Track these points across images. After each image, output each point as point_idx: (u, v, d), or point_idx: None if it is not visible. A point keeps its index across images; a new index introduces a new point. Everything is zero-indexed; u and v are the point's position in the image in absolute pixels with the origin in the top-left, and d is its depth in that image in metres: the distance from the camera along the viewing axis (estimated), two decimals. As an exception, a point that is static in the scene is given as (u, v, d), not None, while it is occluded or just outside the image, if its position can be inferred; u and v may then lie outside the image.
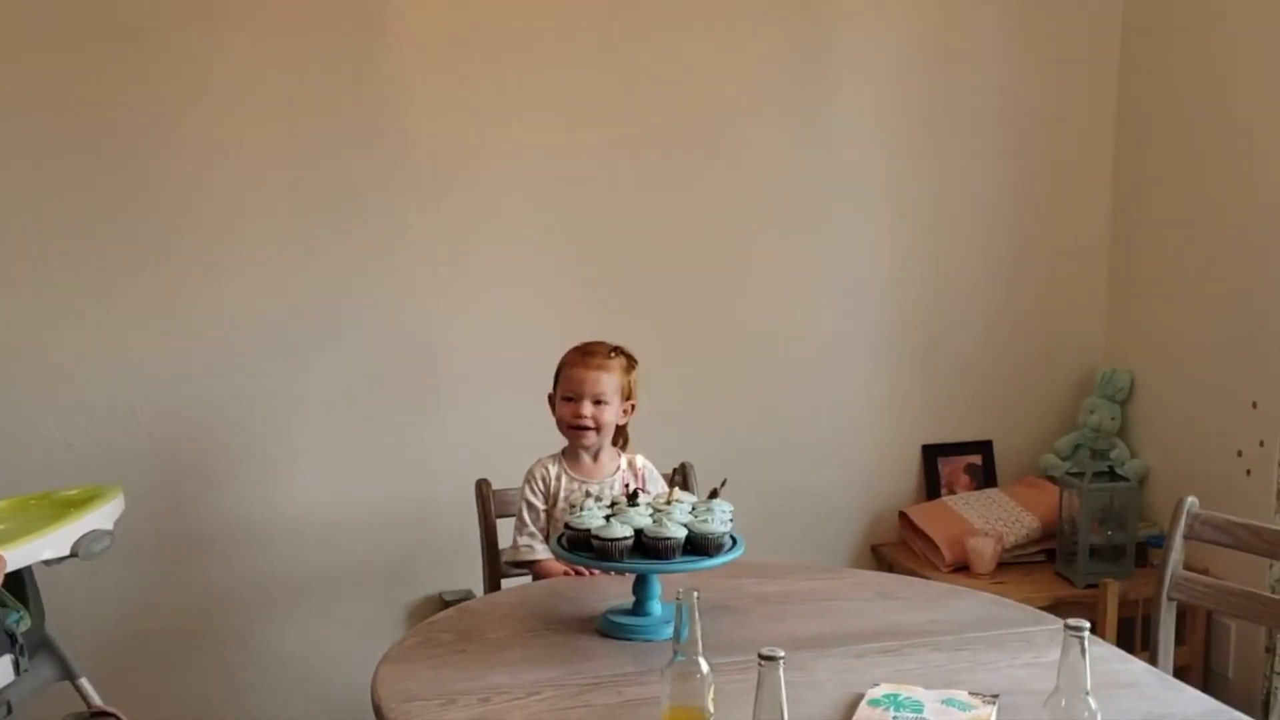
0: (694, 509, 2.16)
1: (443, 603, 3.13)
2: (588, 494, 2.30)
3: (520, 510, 2.60)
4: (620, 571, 2.16)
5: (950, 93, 3.54)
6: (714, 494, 2.21)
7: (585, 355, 2.57)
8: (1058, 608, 3.14)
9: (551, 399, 2.62)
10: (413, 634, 2.16)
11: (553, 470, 2.59)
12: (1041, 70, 3.60)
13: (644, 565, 2.09)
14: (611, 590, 2.25)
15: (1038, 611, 2.29)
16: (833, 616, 2.22)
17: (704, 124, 3.34)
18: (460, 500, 2.79)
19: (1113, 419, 3.62)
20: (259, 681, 3.14)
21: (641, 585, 2.14)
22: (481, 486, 2.74)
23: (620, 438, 2.64)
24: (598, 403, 2.53)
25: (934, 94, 3.52)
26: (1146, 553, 3.36)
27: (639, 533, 2.09)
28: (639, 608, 2.13)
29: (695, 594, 1.67)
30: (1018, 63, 3.57)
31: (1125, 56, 3.63)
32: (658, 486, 2.56)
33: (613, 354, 2.58)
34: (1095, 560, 3.30)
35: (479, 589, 2.84)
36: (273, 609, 3.13)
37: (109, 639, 3.00)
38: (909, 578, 2.57)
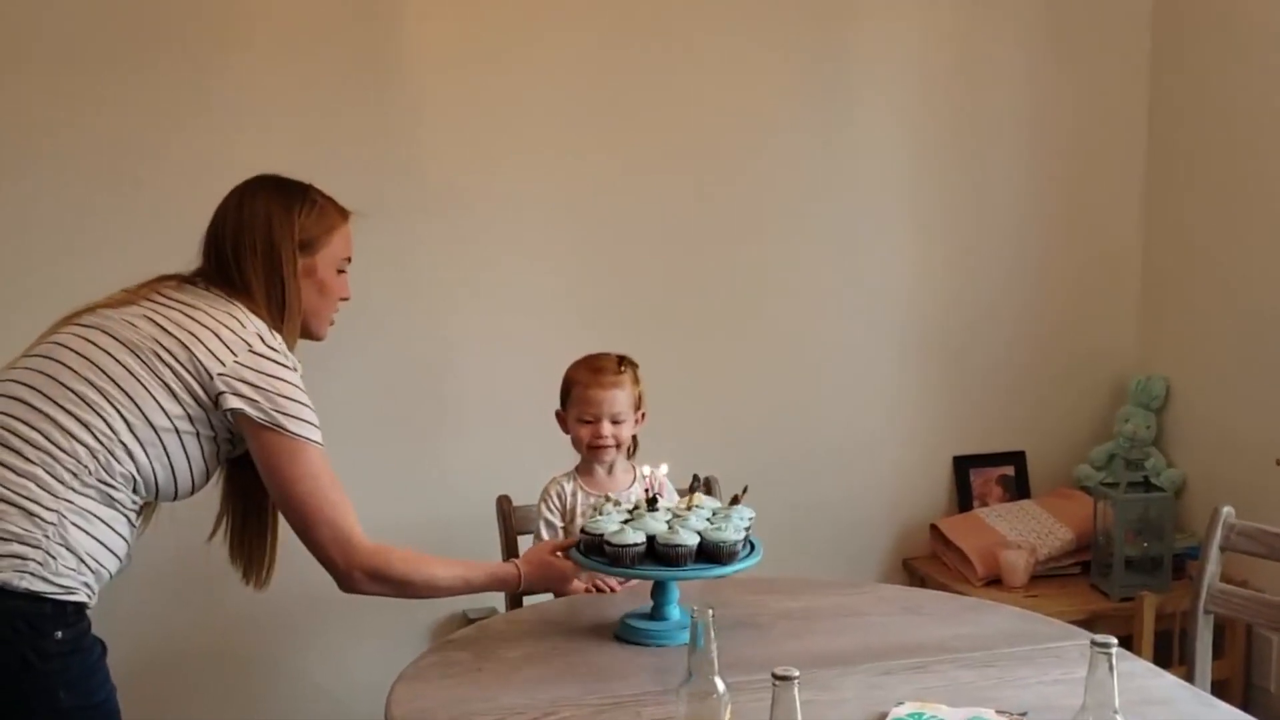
0: (713, 515, 2.16)
1: (466, 620, 3.09)
2: (607, 497, 2.29)
3: (538, 529, 2.58)
4: (630, 578, 2.17)
5: (975, 95, 3.49)
6: (735, 501, 2.20)
7: (597, 373, 2.53)
8: (1093, 621, 3.11)
9: (560, 416, 2.60)
10: (429, 652, 2.14)
11: (568, 487, 2.58)
12: (1070, 71, 3.55)
13: (654, 572, 2.11)
14: (632, 607, 2.22)
15: (1067, 626, 2.24)
16: (856, 632, 2.18)
17: (722, 134, 3.31)
18: (481, 517, 2.76)
19: (1148, 428, 3.55)
20: (280, 703, 3.12)
21: (659, 591, 2.14)
22: (502, 503, 2.72)
23: (631, 446, 2.62)
24: (616, 422, 2.52)
25: (958, 97, 3.48)
26: (1184, 565, 3.29)
27: (652, 539, 2.10)
28: (657, 612, 2.14)
29: (711, 612, 1.64)
30: (1045, 64, 3.53)
31: (1156, 56, 3.58)
32: (673, 500, 2.53)
33: (622, 367, 2.55)
34: (1131, 572, 3.23)
35: (502, 606, 2.79)
36: (293, 629, 3.11)
37: (127, 662, 2.92)
38: (935, 592, 2.53)
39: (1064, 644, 2.10)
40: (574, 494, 2.56)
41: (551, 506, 2.56)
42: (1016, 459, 3.62)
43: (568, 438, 2.58)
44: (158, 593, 2.98)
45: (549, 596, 2.54)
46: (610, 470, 2.56)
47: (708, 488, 2.76)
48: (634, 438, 2.59)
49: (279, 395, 2.04)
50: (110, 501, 1.96)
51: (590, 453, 2.54)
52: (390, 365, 3.14)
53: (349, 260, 2.25)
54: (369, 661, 3.11)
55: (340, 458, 3.06)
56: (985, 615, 2.29)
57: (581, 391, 2.53)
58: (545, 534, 2.55)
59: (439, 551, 3.11)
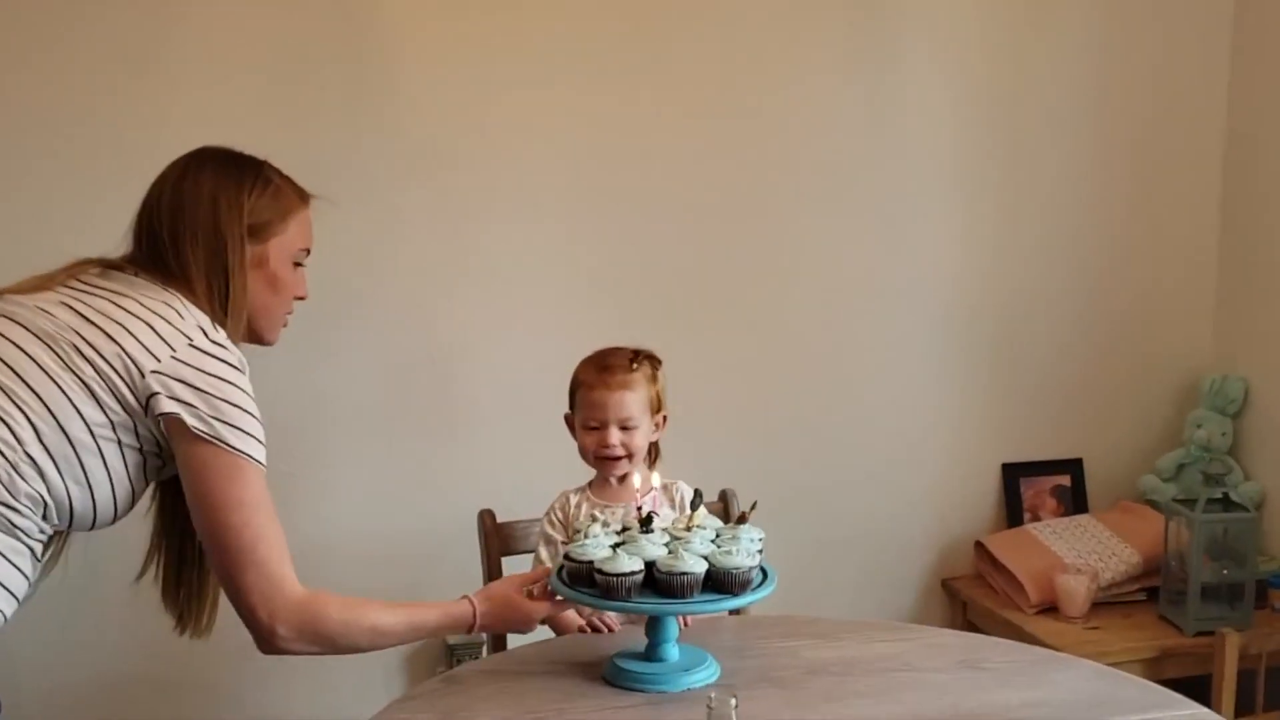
0: (718, 536, 1.90)
1: (446, 648, 2.80)
2: (594, 518, 2.00)
3: (537, 547, 2.28)
4: (627, 612, 1.94)
5: (1036, 60, 3.14)
6: (742, 519, 1.98)
7: (603, 372, 2.22)
8: (1163, 660, 2.77)
9: (569, 420, 2.29)
10: (386, 711, 1.82)
11: (574, 500, 2.27)
12: (1142, 39, 3.20)
13: (655, 605, 1.85)
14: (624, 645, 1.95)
15: (1161, 689, 1.89)
16: (905, 693, 1.83)
17: (747, 94, 2.96)
18: (468, 532, 2.45)
19: (1223, 434, 3.19)
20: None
21: (655, 627, 1.90)
22: (484, 518, 2.39)
23: (652, 452, 2.30)
24: (625, 428, 2.19)
25: (1017, 61, 3.14)
26: (1265, 593, 2.93)
27: (651, 566, 1.83)
28: (652, 652, 1.89)
29: (734, 701, 1.29)
30: (1115, 27, 3.17)
31: (1239, 27, 3.23)
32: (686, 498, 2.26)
33: (635, 365, 2.22)
34: (1207, 603, 2.86)
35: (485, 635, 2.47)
36: (255, 655, 2.75)
37: (64, 688, 2.71)
38: (997, 640, 2.16)
39: (1160, 715, 1.75)
40: (578, 506, 2.26)
41: (554, 520, 2.27)
42: (1073, 467, 3.29)
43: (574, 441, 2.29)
44: (99, 613, 2.68)
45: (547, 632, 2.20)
46: (624, 482, 2.24)
47: (724, 501, 2.48)
48: (655, 444, 2.28)
49: (222, 400, 1.73)
50: (11, 529, 1.67)
51: (598, 464, 2.24)
52: (371, 354, 2.83)
53: (307, 252, 1.97)
54: (335, 693, 2.81)
55: (314, 462, 2.78)
56: (1058, 672, 1.94)
57: (586, 394, 2.22)
58: (544, 551, 2.27)
59: (428, 568, 2.83)
